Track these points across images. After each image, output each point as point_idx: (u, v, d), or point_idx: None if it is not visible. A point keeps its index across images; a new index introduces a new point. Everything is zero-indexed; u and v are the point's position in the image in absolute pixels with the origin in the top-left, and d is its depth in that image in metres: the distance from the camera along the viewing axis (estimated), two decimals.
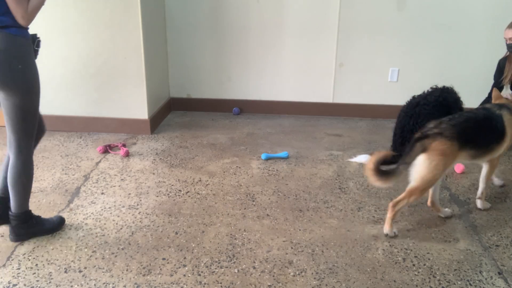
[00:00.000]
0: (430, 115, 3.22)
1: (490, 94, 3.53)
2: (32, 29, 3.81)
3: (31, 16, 1.99)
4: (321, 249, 2.25)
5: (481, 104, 3.56)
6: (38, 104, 2.13)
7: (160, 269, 2.08)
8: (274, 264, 2.13)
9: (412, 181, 2.26)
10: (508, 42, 3.26)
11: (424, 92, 3.34)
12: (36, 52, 2.16)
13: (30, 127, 2.11)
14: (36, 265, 2.11)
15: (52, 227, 2.36)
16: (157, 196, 2.76)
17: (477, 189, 2.88)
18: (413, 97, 3.36)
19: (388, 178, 2.22)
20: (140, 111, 3.78)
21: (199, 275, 2.05)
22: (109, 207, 2.63)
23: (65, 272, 2.06)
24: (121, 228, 2.41)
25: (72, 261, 2.14)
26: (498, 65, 3.46)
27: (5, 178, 2.23)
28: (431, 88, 3.33)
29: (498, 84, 3.46)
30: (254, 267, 2.10)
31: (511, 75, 3.36)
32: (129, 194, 2.79)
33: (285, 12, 4.08)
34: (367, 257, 2.19)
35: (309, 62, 4.22)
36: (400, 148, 3.32)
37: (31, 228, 2.29)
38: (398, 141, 3.36)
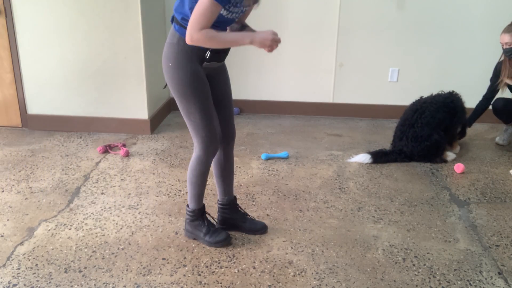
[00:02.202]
0: (435, 112, 3.25)
1: (486, 95, 3.53)
2: (32, 29, 3.82)
3: (199, 42, 1.87)
4: (321, 249, 2.25)
5: (479, 104, 3.57)
6: (197, 108, 2.02)
7: (160, 269, 2.08)
8: (274, 264, 2.13)
9: None
10: (504, 47, 3.25)
11: (432, 94, 3.39)
12: (204, 61, 2.03)
13: (194, 127, 2.06)
14: (36, 265, 2.11)
15: (215, 241, 2.25)
16: (157, 196, 2.76)
17: (477, 189, 2.89)
18: (421, 97, 3.40)
19: None
20: (140, 111, 3.78)
21: (199, 275, 2.05)
22: (109, 207, 2.63)
23: (65, 272, 2.06)
24: (121, 228, 2.41)
25: (72, 261, 2.14)
26: (495, 68, 3.45)
27: (219, 177, 2.32)
28: (440, 91, 3.38)
29: (493, 88, 3.45)
30: (254, 267, 2.10)
31: (507, 78, 3.35)
32: (129, 194, 2.79)
33: (285, 12, 4.08)
34: (367, 257, 2.19)
35: (309, 62, 4.21)
36: (398, 143, 3.34)
37: (195, 229, 2.27)
38: (398, 134, 3.38)
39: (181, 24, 1.96)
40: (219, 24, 1.91)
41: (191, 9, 1.87)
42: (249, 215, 2.42)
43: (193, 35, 1.82)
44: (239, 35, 1.95)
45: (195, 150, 2.14)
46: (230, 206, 2.36)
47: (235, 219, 2.37)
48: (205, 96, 2.04)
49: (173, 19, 2.05)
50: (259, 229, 2.38)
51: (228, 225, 2.37)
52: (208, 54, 1.99)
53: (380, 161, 3.26)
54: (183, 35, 1.93)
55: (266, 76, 4.32)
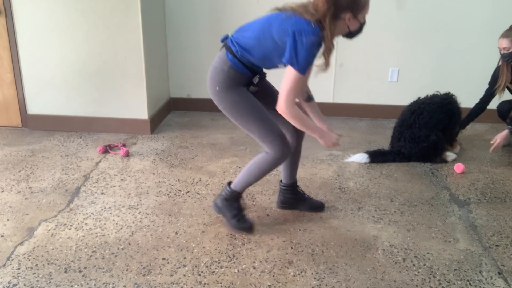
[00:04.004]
0: (433, 113, 3.25)
1: (483, 98, 3.52)
2: (32, 29, 3.82)
3: (288, 116, 2.06)
4: (321, 249, 2.25)
5: (475, 107, 3.56)
6: (253, 121, 2.16)
7: (160, 269, 2.08)
8: (274, 264, 2.13)
9: None
10: (502, 52, 3.24)
11: (428, 95, 3.39)
12: (251, 85, 2.22)
13: (259, 137, 2.19)
14: (36, 265, 2.11)
15: (240, 227, 2.38)
16: (157, 196, 2.76)
17: (477, 189, 2.89)
18: (419, 98, 3.40)
19: None
20: (140, 111, 3.78)
21: (199, 275, 2.05)
22: (109, 207, 2.63)
23: (65, 272, 2.06)
24: (121, 228, 2.41)
25: (72, 261, 2.14)
26: (493, 73, 3.43)
27: (290, 164, 2.48)
28: (436, 92, 3.38)
29: (491, 92, 3.44)
30: (254, 267, 2.10)
31: (504, 84, 3.34)
32: (129, 194, 2.79)
33: None
34: (367, 257, 2.19)
35: None
36: (396, 143, 3.35)
37: (225, 208, 2.39)
38: (395, 135, 3.38)
39: (236, 56, 2.11)
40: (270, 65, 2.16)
41: (262, 58, 2.09)
42: (307, 195, 2.61)
43: (288, 108, 2.02)
44: (314, 127, 2.21)
45: (270, 153, 2.22)
46: (292, 188, 2.56)
47: (296, 199, 2.57)
48: (256, 109, 2.17)
49: (224, 42, 2.19)
50: (317, 207, 2.59)
51: (289, 204, 2.58)
52: (257, 79, 2.18)
53: (377, 160, 3.26)
54: (235, 65, 2.11)
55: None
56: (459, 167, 3.13)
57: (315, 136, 2.20)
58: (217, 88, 2.15)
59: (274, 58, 2.07)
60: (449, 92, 3.39)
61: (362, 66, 4.17)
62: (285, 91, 1.99)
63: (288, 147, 2.21)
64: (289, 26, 1.94)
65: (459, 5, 3.92)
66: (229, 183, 2.39)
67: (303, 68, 1.95)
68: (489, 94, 3.45)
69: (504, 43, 3.18)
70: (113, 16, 3.53)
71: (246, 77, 2.16)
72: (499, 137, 3.18)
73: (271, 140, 2.17)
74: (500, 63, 3.33)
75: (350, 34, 2.11)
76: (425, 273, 2.07)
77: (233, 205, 2.38)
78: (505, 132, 3.18)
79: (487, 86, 3.50)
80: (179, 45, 4.27)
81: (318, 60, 2.02)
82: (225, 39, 2.23)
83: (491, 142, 3.22)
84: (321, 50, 2.00)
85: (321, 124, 2.38)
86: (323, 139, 2.22)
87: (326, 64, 2.03)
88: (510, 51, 3.17)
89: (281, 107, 2.03)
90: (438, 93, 3.39)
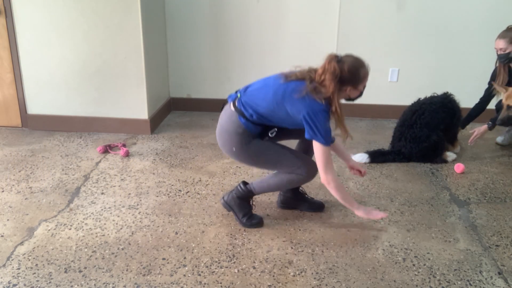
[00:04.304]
0: (435, 113, 3.26)
1: (482, 98, 3.51)
2: (32, 29, 3.83)
3: (330, 186, 2.22)
4: (321, 249, 2.25)
5: (474, 107, 3.56)
6: (273, 159, 2.27)
7: (160, 269, 2.08)
8: (274, 264, 2.13)
9: None
10: (498, 53, 3.24)
11: (427, 96, 3.39)
12: (266, 136, 2.34)
13: (285, 167, 2.29)
14: (36, 265, 2.11)
15: (251, 223, 2.43)
16: (157, 196, 2.76)
17: (477, 189, 2.89)
18: (419, 99, 3.40)
19: None
20: (140, 111, 3.78)
21: (199, 275, 2.05)
22: (109, 207, 2.63)
23: (65, 272, 2.06)
24: (121, 228, 2.41)
25: (72, 261, 2.14)
26: (492, 73, 3.44)
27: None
28: (433, 94, 3.38)
29: (489, 93, 3.44)
30: (254, 267, 2.10)
31: (501, 84, 3.34)
32: (129, 194, 2.79)
33: (285, 12, 4.08)
34: (367, 257, 2.19)
35: (309, 62, 4.19)
36: (397, 143, 3.35)
37: (236, 206, 2.44)
38: (396, 135, 3.39)
39: (250, 120, 2.21)
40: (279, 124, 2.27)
41: (281, 122, 2.21)
42: (307, 195, 2.63)
43: (331, 182, 2.19)
44: (352, 202, 2.31)
45: (301, 173, 2.31)
46: (293, 188, 2.57)
47: (296, 199, 2.59)
48: (274, 151, 2.28)
49: (234, 103, 2.26)
50: (317, 207, 2.60)
51: (289, 204, 2.60)
52: (274, 132, 2.30)
53: (377, 160, 3.26)
54: (249, 128, 2.23)
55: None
56: (459, 167, 3.13)
57: (353, 209, 2.31)
58: (234, 149, 2.26)
59: (293, 120, 2.17)
60: (447, 92, 3.39)
61: None
62: (321, 166, 2.16)
63: (315, 168, 2.26)
64: (303, 108, 2.09)
65: (459, 5, 3.92)
66: (244, 183, 2.42)
67: (327, 139, 2.13)
68: (489, 94, 3.45)
69: (501, 44, 3.19)
70: (113, 16, 3.53)
71: (263, 131, 2.30)
72: (478, 130, 3.34)
73: (298, 167, 2.28)
74: (497, 64, 3.34)
75: (351, 99, 2.33)
76: (425, 273, 2.07)
77: (244, 204, 2.43)
78: (484, 126, 3.32)
79: (486, 86, 3.50)
80: (179, 45, 4.27)
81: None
82: (234, 98, 2.30)
83: (470, 132, 3.40)
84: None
85: (346, 160, 2.56)
86: (361, 215, 2.32)
87: (344, 131, 2.23)
88: (507, 52, 3.18)
89: (324, 180, 2.19)
90: (436, 95, 3.40)
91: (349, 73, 2.14)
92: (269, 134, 2.30)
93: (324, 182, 2.21)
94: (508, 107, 3.03)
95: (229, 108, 2.30)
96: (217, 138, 2.36)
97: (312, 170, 2.29)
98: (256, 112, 2.20)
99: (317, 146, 2.13)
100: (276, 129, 2.31)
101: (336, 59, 2.15)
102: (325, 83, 2.12)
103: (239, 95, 2.29)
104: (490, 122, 3.30)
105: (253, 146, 2.26)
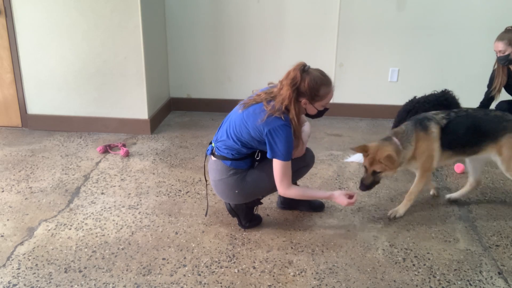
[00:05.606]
0: (428, 111, 3.23)
1: (482, 102, 3.51)
2: (32, 29, 3.82)
3: (293, 196, 2.26)
4: (321, 249, 2.25)
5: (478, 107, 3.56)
6: (270, 179, 2.22)
7: (160, 269, 2.08)
8: (274, 264, 2.13)
9: None
10: (498, 55, 3.24)
11: (425, 94, 3.38)
12: (255, 162, 2.33)
13: (279, 177, 2.23)
14: (36, 265, 2.11)
15: (250, 225, 2.45)
16: (157, 196, 2.76)
17: (477, 189, 2.89)
18: (415, 97, 3.38)
19: None
20: (140, 111, 3.78)
21: (199, 275, 2.05)
22: (109, 207, 2.63)
23: (65, 272, 2.06)
24: (121, 228, 2.41)
25: (72, 261, 2.14)
26: (491, 75, 3.43)
27: None
28: (433, 91, 3.36)
29: (488, 94, 3.43)
30: (254, 267, 2.10)
31: (499, 86, 3.34)
32: (129, 194, 2.79)
33: (285, 12, 4.08)
34: (367, 257, 2.19)
35: (309, 62, 4.16)
36: None
37: (241, 212, 2.43)
38: None
39: (234, 158, 2.23)
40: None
41: (256, 145, 2.19)
42: None
43: (288, 192, 2.20)
44: (320, 194, 2.37)
45: (305, 164, 2.40)
46: None
47: (296, 199, 2.50)
48: (269, 164, 2.21)
49: (213, 153, 2.28)
50: (317, 207, 2.61)
51: (289, 204, 2.61)
52: (258, 155, 2.27)
53: None
54: (237, 165, 2.24)
55: (266, 76, 4.29)
56: (459, 167, 3.13)
57: (327, 197, 2.30)
58: (237, 191, 2.28)
59: (260, 141, 2.17)
60: (446, 89, 3.37)
61: (362, 66, 4.17)
62: (279, 181, 2.17)
63: (311, 153, 2.42)
64: (264, 127, 2.09)
65: (459, 5, 3.92)
66: None
67: (287, 156, 2.12)
68: (488, 98, 3.45)
69: (500, 46, 3.18)
70: (113, 16, 3.53)
71: (250, 163, 2.31)
72: None
73: (301, 161, 2.36)
74: (496, 66, 3.34)
75: (310, 115, 2.27)
76: (425, 273, 2.07)
77: (251, 211, 2.43)
78: None
79: (486, 86, 3.50)
80: (179, 45, 4.27)
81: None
82: (211, 149, 2.31)
83: None
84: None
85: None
86: (336, 200, 2.27)
87: (298, 143, 2.22)
88: (506, 53, 3.17)
89: (282, 192, 2.22)
90: (436, 92, 3.37)
91: (308, 86, 2.11)
92: (256, 159, 2.29)
93: (282, 194, 2.24)
94: (374, 172, 2.40)
95: (212, 160, 2.31)
96: (216, 193, 2.38)
97: (309, 157, 2.42)
98: (233, 149, 2.22)
99: (276, 164, 2.14)
100: (259, 151, 2.27)
101: (302, 69, 2.15)
102: (283, 90, 2.11)
103: (213, 144, 2.31)
104: None
105: (250, 176, 2.27)
